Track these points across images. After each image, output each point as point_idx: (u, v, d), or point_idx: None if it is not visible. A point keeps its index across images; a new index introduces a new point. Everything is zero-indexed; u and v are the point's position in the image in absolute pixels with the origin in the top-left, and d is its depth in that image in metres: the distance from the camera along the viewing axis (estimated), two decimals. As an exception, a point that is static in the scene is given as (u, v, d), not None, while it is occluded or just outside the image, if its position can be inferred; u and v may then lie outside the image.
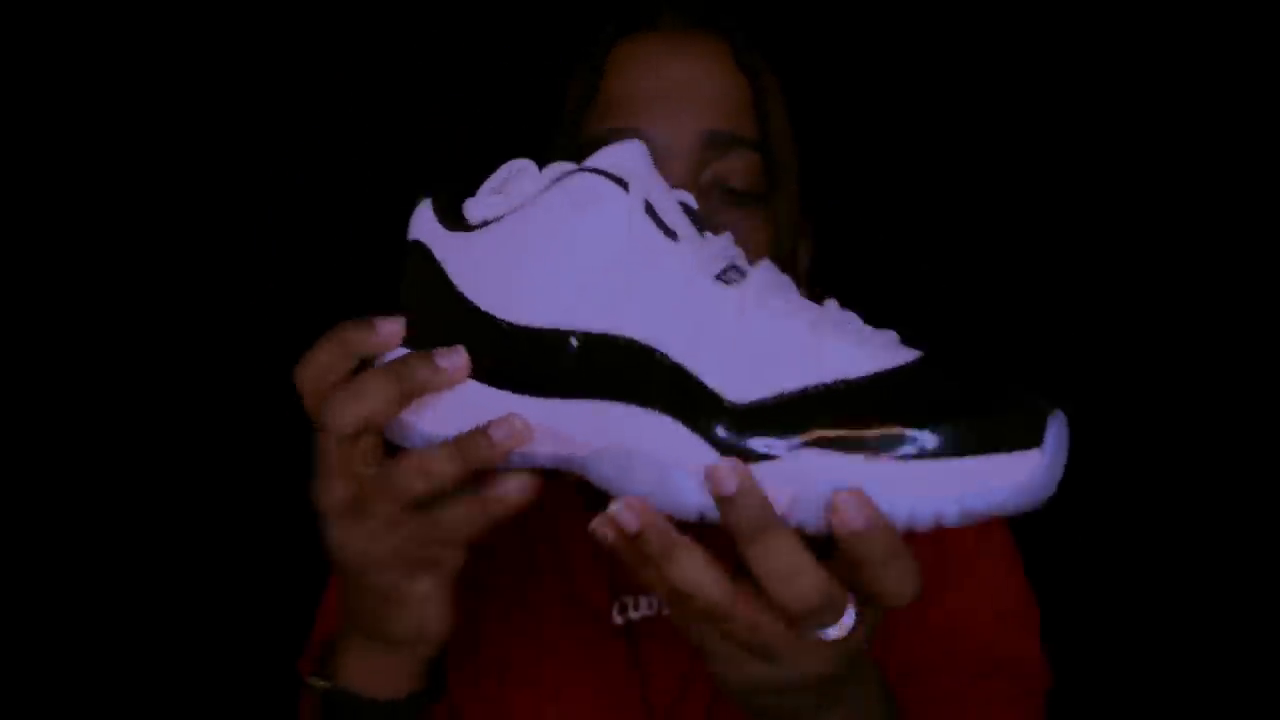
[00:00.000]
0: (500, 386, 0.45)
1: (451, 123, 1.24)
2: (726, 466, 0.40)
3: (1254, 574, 1.16)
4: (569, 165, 0.46)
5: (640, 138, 0.63)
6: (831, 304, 0.46)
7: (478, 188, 0.49)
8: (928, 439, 0.40)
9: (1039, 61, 1.26)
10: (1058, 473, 0.41)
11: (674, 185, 0.62)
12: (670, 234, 0.45)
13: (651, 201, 0.45)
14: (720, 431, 0.41)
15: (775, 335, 0.42)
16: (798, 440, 0.41)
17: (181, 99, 1.23)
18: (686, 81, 0.64)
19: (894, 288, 1.25)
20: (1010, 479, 0.40)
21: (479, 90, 1.25)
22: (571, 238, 0.44)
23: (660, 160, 0.63)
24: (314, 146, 1.25)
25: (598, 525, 0.41)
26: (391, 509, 0.45)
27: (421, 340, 0.47)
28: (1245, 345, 1.22)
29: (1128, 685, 1.17)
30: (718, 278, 0.44)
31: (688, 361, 0.42)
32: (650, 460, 0.42)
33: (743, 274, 0.45)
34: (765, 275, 0.45)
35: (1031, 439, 0.41)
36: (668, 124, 0.63)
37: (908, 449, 0.40)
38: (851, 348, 0.42)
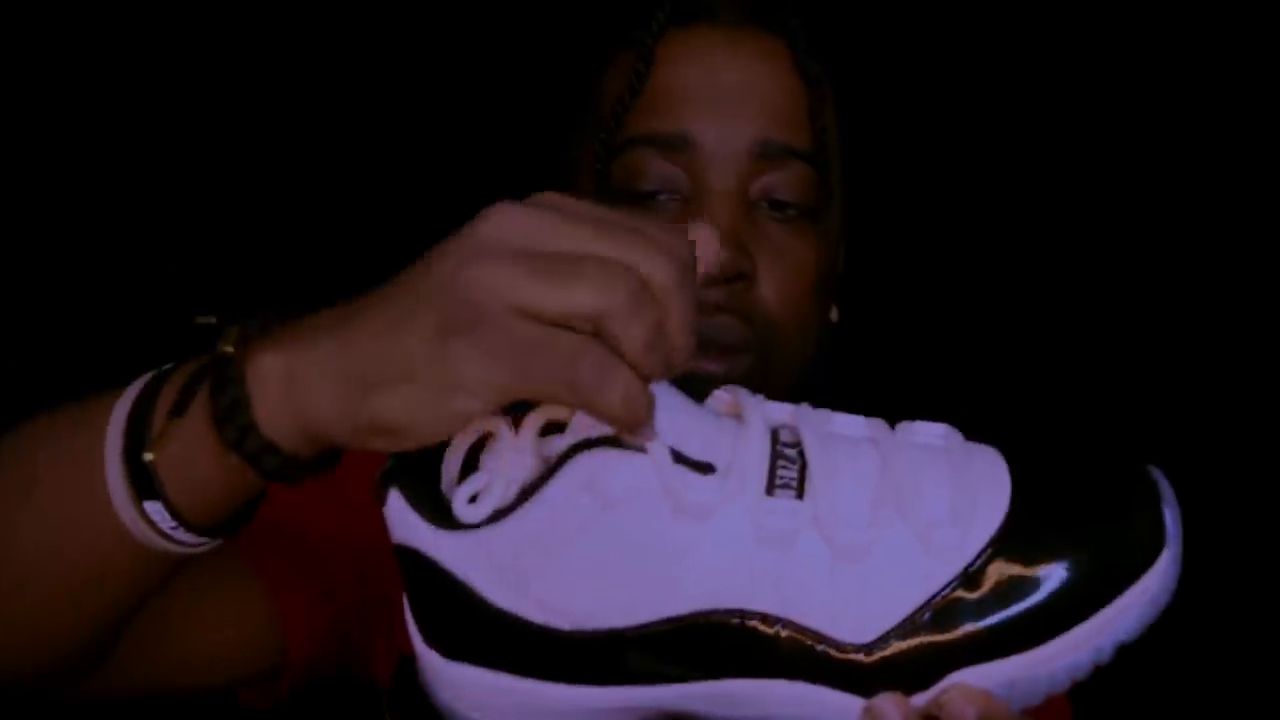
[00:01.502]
0: (575, 684, 0.41)
1: (462, 112, 1.20)
2: (887, 703, 0.38)
3: (1255, 576, 1.18)
4: (558, 437, 0.38)
5: (687, 142, 0.58)
6: (903, 433, 0.41)
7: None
8: (1057, 604, 0.38)
9: (1040, 62, 1.21)
10: (1181, 552, 0.40)
11: (720, 196, 0.58)
12: (706, 467, 0.38)
13: (674, 445, 0.38)
14: (853, 676, 0.38)
15: (870, 552, 0.38)
16: (939, 659, 0.38)
17: (181, 99, 1.17)
18: (742, 84, 0.58)
19: (899, 292, 1.18)
20: (1144, 597, 0.39)
21: (490, 80, 1.21)
22: (607, 538, 0.38)
23: (708, 167, 0.58)
24: (320, 139, 1.21)
25: None
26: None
27: (453, 647, 0.41)
28: (1247, 345, 1.19)
29: (1128, 688, 1.20)
30: (772, 490, 0.39)
31: (789, 614, 0.38)
32: None
33: (793, 459, 0.39)
34: (816, 449, 0.39)
35: (1155, 542, 0.39)
36: (719, 129, 0.58)
37: (1040, 626, 0.38)
38: (948, 527, 0.38)
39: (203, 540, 0.43)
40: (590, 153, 0.62)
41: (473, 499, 0.39)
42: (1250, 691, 1.22)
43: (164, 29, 1.15)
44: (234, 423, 0.38)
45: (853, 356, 0.70)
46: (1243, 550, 1.19)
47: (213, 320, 0.40)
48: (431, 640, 0.41)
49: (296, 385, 0.38)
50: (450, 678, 0.41)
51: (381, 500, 0.40)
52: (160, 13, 1.14)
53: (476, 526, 0.39)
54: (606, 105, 0.62)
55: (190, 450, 0.40)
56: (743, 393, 0.42)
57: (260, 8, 1.17)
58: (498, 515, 0.39)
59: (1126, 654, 0.40)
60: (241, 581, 0.58)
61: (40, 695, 0.50)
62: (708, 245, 0.38)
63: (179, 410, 0.40)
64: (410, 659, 0.63)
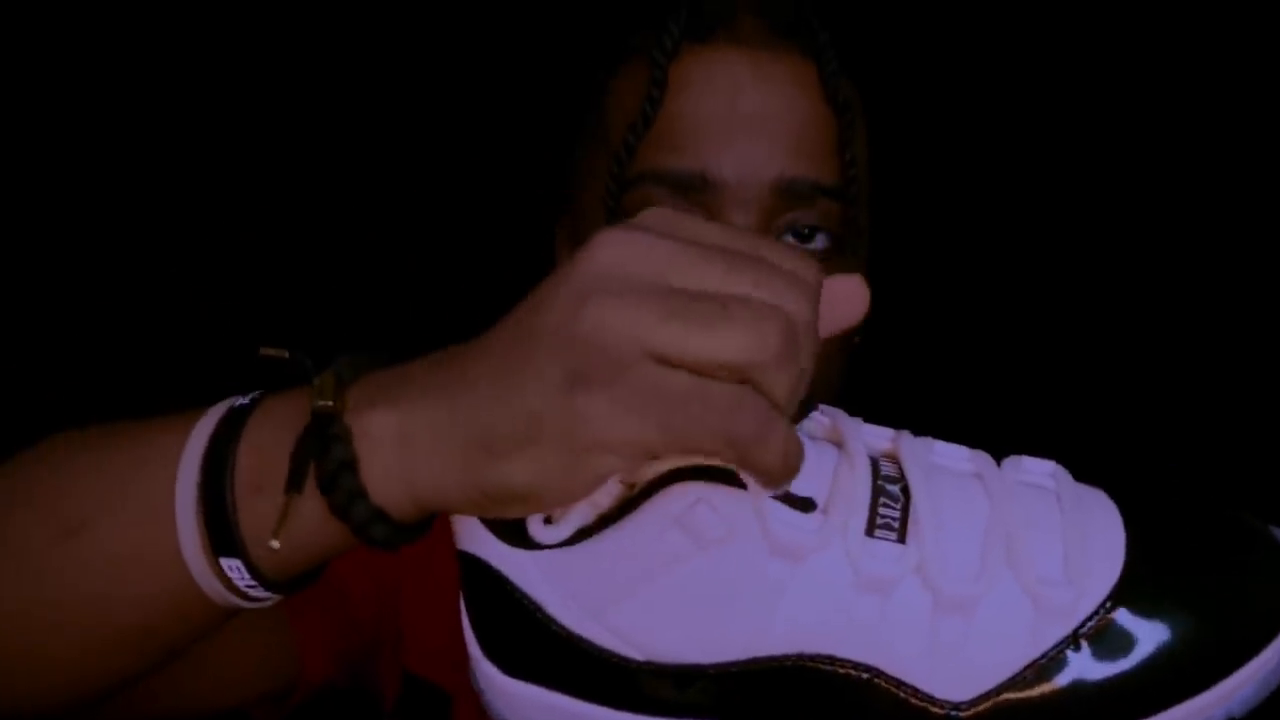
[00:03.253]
0: (636, 712, 0.38)
1: (465, 116, 1.16)
2: None
3: None
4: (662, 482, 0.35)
5: (706, 181, 0.53)
6: (1008, 474, 0.38)
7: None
8: (1170, 673, 0.36)
9: (1042, 63, 1.17)
10: None
11: None
12: (806, 504, 0.36)
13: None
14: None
15: (977, 607, 0.36)
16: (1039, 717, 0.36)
17: (181, 99, 1.15)
18: (765, 114, 0.53)
19: (901, 294, 1.14)
20: (1264, 670, 0.37)
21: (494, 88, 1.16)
22: (699, 577, 0.35)
23: (727, 205, 0.53)
24: (322, 141, 1.18)
25: None
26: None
27: (514, 664, 0.38)
28: (1248, 346, 1.15)
29: None
30: (873, 530, 0.36)
31: (883, 665, 0.36)
32: None
33: (895, 497, 0.37)
34: (921, 486, 0.37)
35: (1275, 614, 0.36)
36: (738, 166, 0.52)
37: (1154, 694, 0.36)
38: (1062, 586, 0.36)
39: (272, 596, 0.38)
40: (601, 181, 0.56)
41: (548, 520, 0.37)
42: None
43: (164, 29, 1.12)
44: (342, 488, 0.34)
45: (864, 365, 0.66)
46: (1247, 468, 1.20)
47: (285, 354, 0.36)
48: (491, 654, 0.39)
49: (409, 449, 0.33)
50: (508, 692, 0.39)
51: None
52: (160, 13, 1.11)
53: (554, 546, 0.36)
54: (616, 131, 0.56)
55: (280, 511, 0.35)
56: (841, 416, 0.39)
57: (261, 11, 1.12)
58: (577, 537, 0.36)
59: None
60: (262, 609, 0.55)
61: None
62: (856, 295, 0.34)
63: (296, 483, 0.34)
64: (414, 679, 0.61)
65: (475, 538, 0.37)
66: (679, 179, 0.53)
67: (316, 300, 1.19)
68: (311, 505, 0.34)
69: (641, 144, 0.54)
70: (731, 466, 0.33)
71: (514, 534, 0.37)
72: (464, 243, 1.20)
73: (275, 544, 0.34)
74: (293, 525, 0.34)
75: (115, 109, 1.13)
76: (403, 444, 0.33)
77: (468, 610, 0.39)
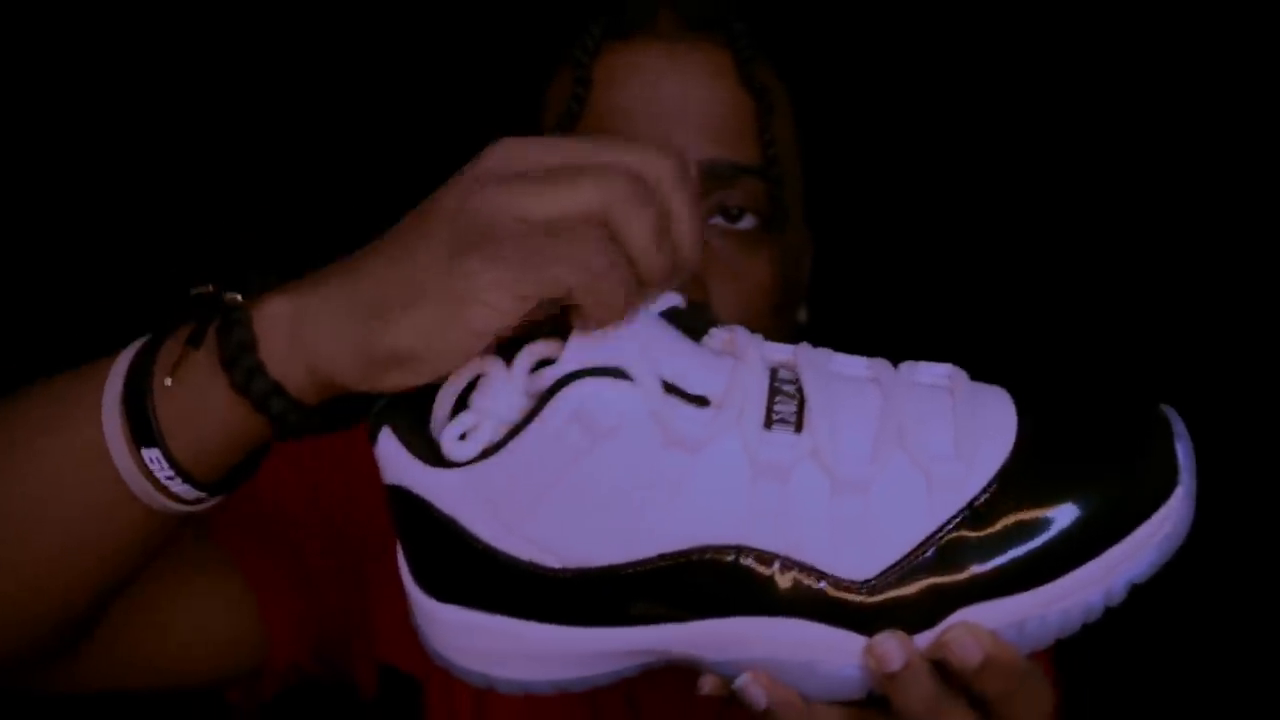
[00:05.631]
0: (568, 624, 0.39)
1: (424, 121, 1.18)
2: (890, 641, 0.36)
3: (1257, 580, 1.16)
4: (549, 368, 0.37)
5: None
6: (903, 370, 0.40)
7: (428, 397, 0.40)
8: (1067, 541, 0.37)
9: (1041, 62, 1.18)
10: (1194, 489, 0.38)
11: None
12: (700, 400, 0.37)
13: (663, 373, 0.37)
14: (855, 615, 0.37)
15: (872, 486, 0.37)
16: (944, 600, 0.37)
17: (180, 98, 1.17)
18: (683, 101, 0.55)
19: (890, 288, 1.17)
20: (1157, 535, 0.37)
21: (453, 88, 1.19)
22: (598, 471, 0.36)
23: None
24: (318, 141, 1.20)
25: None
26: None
27: (444, 589, 0.40)
28: (1248, 346, 1.17)
29: (1133, 695, 1.16)
30: (770, 424, 0.38)
31: (787, 550, 0.37)
32: (789, 664, 0.38)
33: (791, 395, 0.38)
34: (816, 386, 0.38)
35: (1168, 478, 0.37)
36: None
37: (1049, 563, 0.37)
38: (953, 461, 0.37)
39: (200, 495, 0.42)
40: None
41: (462, 437, 0.38)
42: (1251, 694, 1.19)
43: (163, 28, 1.16)
44: (241, 364, 0.38)
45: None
46: (1246, 555, 1.17)
47: (209, 289, 0.40)
48: (422, 582, 0.40)
49: (305, 324, 0.38)
50: (439, 620, 0.40)
51: (374, 440, 0.40)
52: (160, 12, 1.15)
53: (466, 464, 0.38)
54: (548, 131, 0.60)
55: (193, 396, 0.40)
56: (741, 331, 0.41)
57: (257, 12, 1.18)
58: (487, 452, 0.38)
59: (1132, 665, 0.38)
60: (226, 578, 0.57)
61: (16, 683, 0.48)
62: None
63: (195, 341, 0.39)
64: (388, 670, 0.62)
65: (397, 465, 0.39)
66: None
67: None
68: (218, 391, 0.39)
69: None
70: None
71: (433, 457, 0.39)
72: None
73: (168, 381, 0.39)
74: (195, 405, 0.39)
75: (115, 109, 1.15)
76: (298, 322, 0.38)
77: (400, 544, 0.41)
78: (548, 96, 0.61)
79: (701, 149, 0.56)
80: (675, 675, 0.61)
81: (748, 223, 0.57)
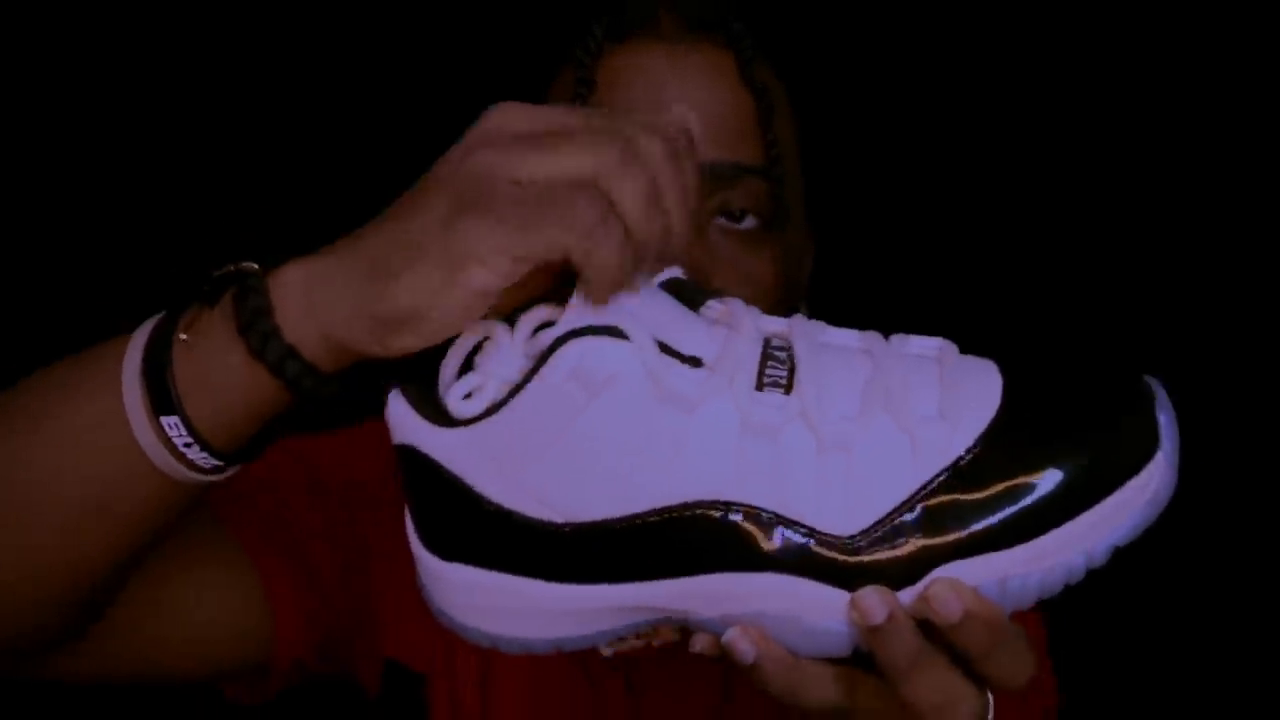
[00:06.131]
0: (566, 581, 0.41)
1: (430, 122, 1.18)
2: (872, 596, 0.37)
3: (1257, 580, 1.16)
4: (550, 329, 0.39)
5: None
6: (894, 342, 0.41)
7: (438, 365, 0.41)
8: (1049, 502, 0.38)
9: (1041, 62, 1.19)
10: (1177, 457, 0.39)
11: None
12: (694, 361, 0.39)
13: (658, 336, 0.39)
14: (840, 571, 0.38)
15: (856, 444, 0.38)
16: (928, 558, 0.38)
17: (180, 98, 1.19)
18: (685, 103, 0.56)
19: (890, 287, 1.19)
20: (1137, 499, 0.38)
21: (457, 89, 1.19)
22: (595, 426, 0.38)
23: None
24: (317, 142, 1.21)
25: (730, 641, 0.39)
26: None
27: (450, 548, 0.42)
28: (1248, 345, 1.19)
29: (1134, 698, 1.17)
30: (761, 387, 0.39)
31: (775, 506, 0.38)
32: (776, 619, 0.39)
33: (783, 360, 0.40)
34: (807, 353, 0.40)
35: (1149, 444, 0.38)
36: None
37: (1031, 522, 0.38)
38: (937, 422, 0.38)
39: (217, 464, 0.43)
40: None
41: (468, 397, 0.40)
42: (1251, 694, 1.17)
43: (164, 29, 1.17)
44: (257, 329, 0.40)
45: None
46: (1246, 555, 1.15)
47: (230, 268, 0.42)
48: (428, 542, 0.42)
49: (316, 289, 0.40)
50: (445, 579, 0.42)
51: (383, 403, 0.42)
52: (160, 12, 1.16)
53: (470, 422, 0.40)
54: None
55: (210, 362, 0.41)
56: (736, 303, 0.42)
57: (253, 13, 1.18)
58: (491, 410, 0.40)
59: (1133, 667, 0.39)
60: (238, 571, 0.57)
61: (24, 669, 0.49)
62: (689, 124, 0.41)
63: (209, 299, 0.41)
64: (394, 665, 0.63)
65: (405, 425, 0.41)
66: None
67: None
68: (236, 356, 0.40)
69: None
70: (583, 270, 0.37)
71: (440, 417, 0.41)
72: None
73: (184, 336, 0.40)
74: (213, 371, 0.41)
75: (115, 109, 1.16)
76: (310, 287, 0.39)
77: (408, 503, 0.43)
78: (550, 96, 0.63)
79: (704, 150, 0.56)
80: (674, 662, 0.62)
81: (750, 223, 0.58)
